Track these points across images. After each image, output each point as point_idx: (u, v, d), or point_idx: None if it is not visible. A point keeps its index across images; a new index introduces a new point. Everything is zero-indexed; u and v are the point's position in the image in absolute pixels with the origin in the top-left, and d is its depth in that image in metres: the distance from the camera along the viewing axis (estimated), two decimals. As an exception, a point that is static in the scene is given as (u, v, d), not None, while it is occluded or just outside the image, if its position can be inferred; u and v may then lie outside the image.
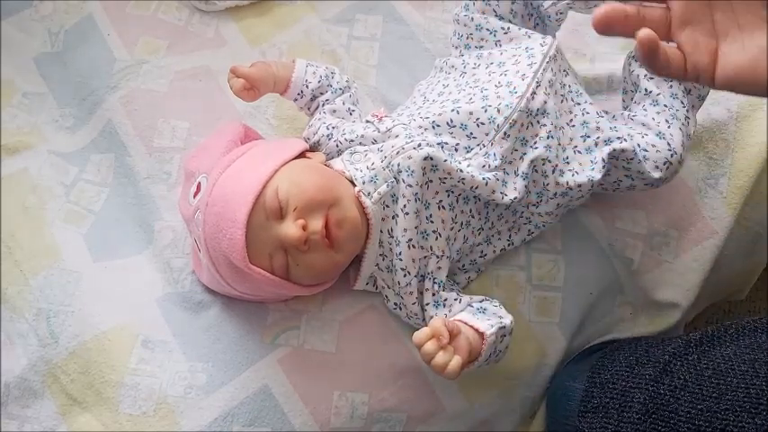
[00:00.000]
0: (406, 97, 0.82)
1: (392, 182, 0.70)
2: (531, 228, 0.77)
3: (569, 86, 0.78)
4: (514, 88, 0.72)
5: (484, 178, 0.70)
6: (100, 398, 0.73)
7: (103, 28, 0.92)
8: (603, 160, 0.73)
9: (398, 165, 0.70)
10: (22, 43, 0.94)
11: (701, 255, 0.81)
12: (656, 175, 0.74)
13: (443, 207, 0.71)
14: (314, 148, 0.78)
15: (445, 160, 0.69)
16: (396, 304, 0.74)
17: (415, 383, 0.74)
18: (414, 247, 0.70)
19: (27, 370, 0.75)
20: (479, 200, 0.73)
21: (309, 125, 0.79)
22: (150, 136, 0.85)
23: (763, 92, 0.49)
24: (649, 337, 0.79)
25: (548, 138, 0.72)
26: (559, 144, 0.74)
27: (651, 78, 0.77)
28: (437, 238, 0.71)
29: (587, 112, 0.77)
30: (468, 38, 0.80)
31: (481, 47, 0.79)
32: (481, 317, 0.69)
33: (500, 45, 0.78)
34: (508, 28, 0.77)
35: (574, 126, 0.76)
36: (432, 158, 0.69)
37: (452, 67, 0.80)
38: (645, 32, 0.47)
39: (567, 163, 0.74)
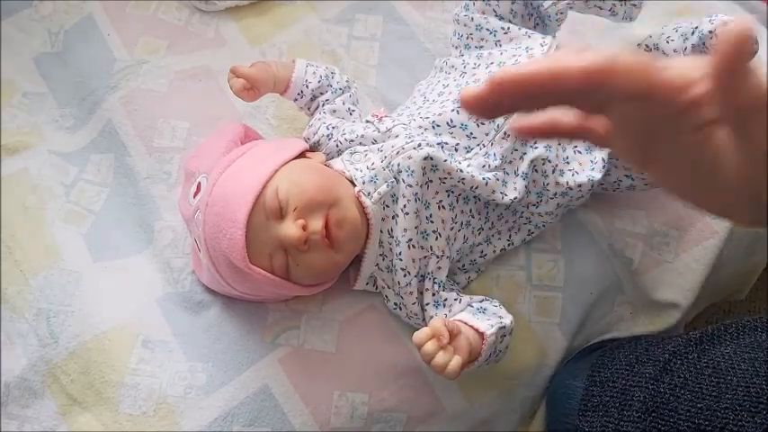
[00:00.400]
0: (406, 97, 0.82)
1: (392, 182, 0.70)
2: (531, 228, 0.77)
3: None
4: (514, 88, 0.72)
5: (484, 178, 0.70)
6: (100, 398, 0.73)
7: (103, 28, 0.92)
8: (603, 160, 0.73)
9: (398, 165, 0.70)
10: (22, 43, 0.94)
11: (701, 255, 0.81)
12: (657, 174, 0.74)
13: (443, 207, 0.71)
14: (314, 148, 0.78)
15: (445, 160, 0.69)
16: (396, 304, 0.74)
17: (415, 383, 0.74)
18: (414, 247, 0.70)
19: (27, 370, 0.75)
20: (479, 200, 0.73)
21: (309, 125, 0.79)
22: (150, 136, 0.85)
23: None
24: (649, 335, 0.79)
25: (548, 138, 0.72)
26: (559, 144, 0.74)
27: (651, 78, 0.77)
28: (437, 238, 0.71)
29: (587, 112, 0.77)
30: (468, 38, 0.80)
31: (481, 47, 0.79)
32: (481, 317, 0.69)
33: (500, 45, 0.78)
34: (508, 28, 0.77)
35: (574, 126, 0.76)
36: (432, 158, 0.69)
37: (452, 67, 0.80)
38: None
39: (567, 163, 0.74)
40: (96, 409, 0.73)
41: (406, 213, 0.69)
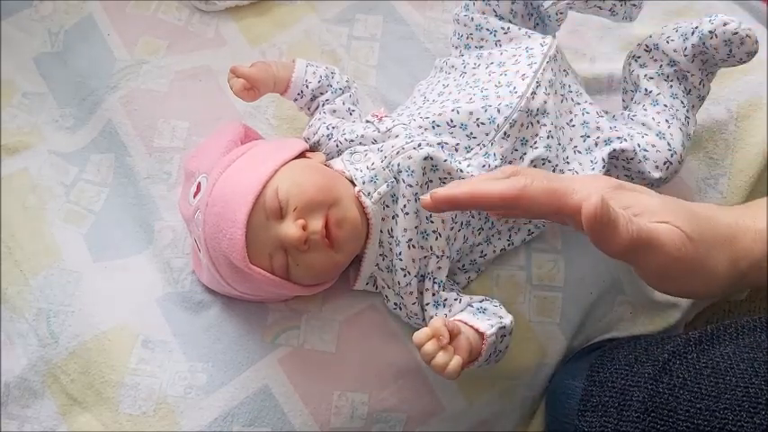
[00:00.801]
0: (406, 97, 0.82)
1: (392, 182, 0.70)
2: (531, 228, 0.77)
3: (569, 86, 0.78)
4: (514, 88, 0.72)
5: (484, 178, 0.70)
6: (100, 398, 0.73)
7: (103, 28, 0.92)
8: (603, 160, 0.73)
9: (398, 165, 0.70)
10: (22, 43, 0.94)
11: (701, 255, 0.81)
12: (657, 175, 0.74)
13: (443, 207, 0.71)
14: (314, 148, 0.78)
15: (445, 160, 0.69)
16: (396, 304, 0.74)
17: (415, 383, 0.74)
18: (414, 246, 0.70)
19: (27, 370, 0.75)
20: (479, 200, 0.73)
21: (309, 125, 0.79)
22: (150, 136, 0.85)
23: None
24: (649, 335, 0.79)
25: (548, 138, 0.72)
26: (559, 144, 0.74)
27: (651, 78, 0.77)
28: (437, 238, 0.71)
29: (587, 112, 0.77)
30: (468, 38, 0.80)
31: (481, 47, 0.79)
32: (481, 317, 0.69)
33: (500, 45, 0.78)
34: (508, 28, 0.77)
35: (574, 126, 0.76)
36: (432, 158, 0.69)
37: (452, 67, 0.80)
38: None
39: (567, 163, 0.74)
40: (96, 409, 0.73)
41: (406, 213, 0.69)
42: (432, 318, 0.70)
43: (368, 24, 0.94)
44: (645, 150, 0.74)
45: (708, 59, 0.75)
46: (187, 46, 0.92)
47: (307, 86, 0.79)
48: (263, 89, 0.78)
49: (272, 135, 0.85)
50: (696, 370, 0.63)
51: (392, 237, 0.71)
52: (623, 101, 0.82)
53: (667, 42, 0.76)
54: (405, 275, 0.71)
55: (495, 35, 0.78)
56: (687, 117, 0.76)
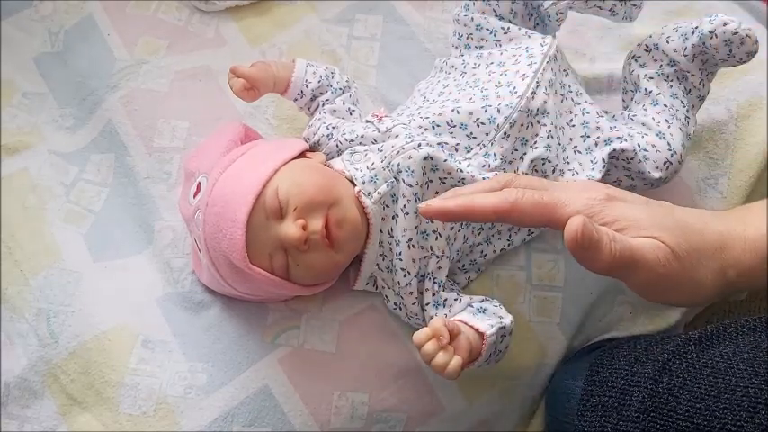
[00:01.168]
0: (406, 97, 0.82)
1: (392, 182, 0.70)
2: (531, 228, 0.77)
3: (569, 86, 0.78)
4: (514, 88, 0.72)
5: (484, 178, 0.70)
6: (100, 398, 0.73)
7: (103, 28, 0.92)
8: (603, 160, 0.73)
9: (398, 165, 0.70)
10: (22, 43, 0.94)
11: (701, 255, 0.81)
12: (656, 175, 0.74)
13: (443, 207, 0.71)
14: (314, 148, 0.78)
15: (445, 160, 0.69)
16: (396, 304, 0.74)
17: (415, 383, 0.74)
18: (414, 246, 0.70)
19: (27, 370, 0.75)
20: (479, 200, 0.73)
21: (309, 125, 0.79)
22: (150, 136, 0.85)
23: None
24: (648, 335, 0.79)
25: (548, 138, 0.72)
26: (559, 144, 0.74)
27: (651, 78, 0.77)
28: (437, 238, 0.71)
29: (587, 112, 0.77)
30: (468, 38, 0.80)
31: (481, 47, 0.79)
32: (481, 317, 0.69)
33: (500, 45, 0.78)
34: (508, 28, 0.77)
35: (574, 126, 0.76)
36: (432, 158, 0.69)
37: (452, 67, 0.80)
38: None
39: (567, 163, 0.74)
40: (96, 409, 0.73)
41: (407, 213, 0.69)
42: (432, 318, 0.70)
43: (368, 24, 0.94)
44: (645, 150, 0.74)
45: (708, 59, 0.75)
46: (187, 46, 0.92)
47: (307, 86, 0.79)
48: (263, 89, 0.78)
49: (272, 135, 0.85)
50: (696, 370, 0.63)
51: (392, 237, 0.71)
52: (623, 101, 0.82)
53: (667, 42, 0.76)
54: (405, 275, 0.71)
55: (495, 35, 0.78)
56: (687, 117, 0.76)
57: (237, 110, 0.87)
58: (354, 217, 0.69)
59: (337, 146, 0.76)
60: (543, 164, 0.72)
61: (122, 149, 0.85)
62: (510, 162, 0.72)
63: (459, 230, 0.73)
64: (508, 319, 0.70)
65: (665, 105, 0.76)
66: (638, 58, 0.79)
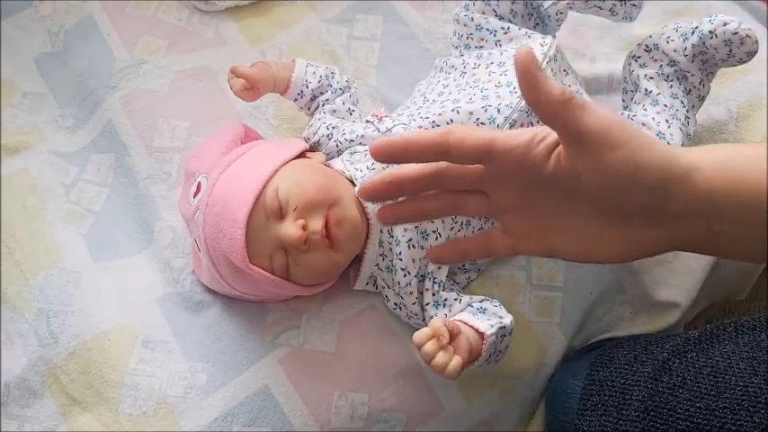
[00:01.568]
0: (406, 97, 0.82)
1: (392, 182, 0.70)
2: (531, 228, 0.77)
3: (569, 86, 0.78)
4: (514, 88, 0.72)
5: (484, 178, 0.70)
6: (100, 398, 0.73)
7: (103, 28, 0.92)
8: (603, 160, 0.73)
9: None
10: (22, 43, 0.94)
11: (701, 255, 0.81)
12: (656, 175, 0.74)
13: (443, 207, 0.71)
14: (314, 148, 0.78)
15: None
16: (396, 304, 0.74)
17: (415, 383, 0.74)
18: (414, 246, 0.70)
19: (27, 370, 0.75)
20: (479, 200, 0.73)
21: (309, 125, 0.79)
22: (150, 136, 0.85)
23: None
24: (648, 334, 0.79)
25: (548, 138, 0.72)
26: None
27: (651, 78, 0.77)
28: (437, 238, 0.71)
29: (587, 112, 0.77)
30: (468, 38, 0.80)
31: (481, 47, 0.79)
32: (481, 317, 0.69)
33: (500, 45, 0.78)
34: (508, 28, 0.77)
35: (574, 126, 0.76)
36: (432, 158, 0.69)
37: (452, 67, 0.80)
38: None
39: (567, 163, 0.74)
40: (96, 409, 0.73)
41: (407, 213, 0.69)
42: (432, 318, 0.70)
43: (368, 24, 0.94)
44: (645, 150, 0.74)
45: (708, 59, 0.75)
46: (187, 46, 0.92)
47: (307, 86, 0.79)
48: (263, 89, 0.78)
49: (272, 135, 0.85)
50: (696, 369, 0.63)
51: (392, 237, 0.71)
52: (623, 101, 0.82)
53: (667, 42, 0.76)
54: (405, 275, 0.71)
55: (495, 35, 0.78)
56: (687, 117, 0.76)
57: (237, 110, 0.87)
58: (354, 217, 0.69)
59: (337, 146, 0.76)
60: (543, 164, 0.72)
61: (122, 149, 0.85)
62: (510, 162, 0.72)
63: (460, 231, 0.73)
64: (508, 319, 0.70)
65: (665, 105, 0.76)
66: (638, 58, 0.79)
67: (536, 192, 0.53)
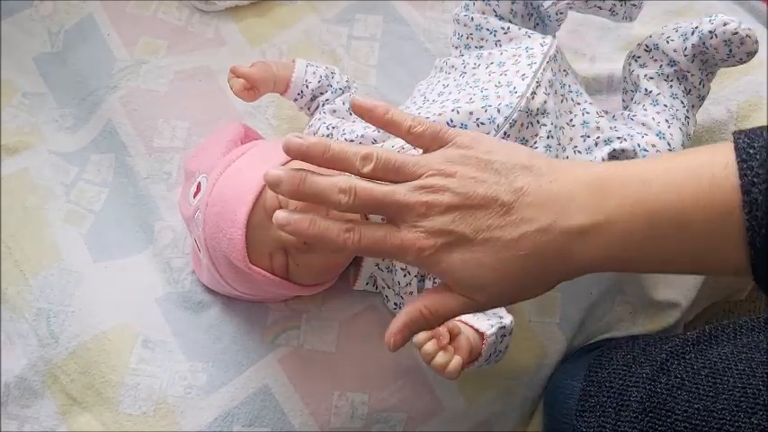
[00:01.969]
0: (406, 97, 0.82)
1: (392, 182, 0.70)
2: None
3: (569, 86, 0.78)
4: (514, 88, 0.72)
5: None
6: (100, 398, 0.73)
7: (103, 28, 0.92)
8: (603, 160, 0.73)
9: (398, 165, 0.70)
10: (22, 43, 0.94)
11: (701, 255, 0.81)
12: (656, 175, 0.74)
13: (443, 207, 0.71)
14: (314, 147, 0.78)
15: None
16: (396, 304, 0.74)
17: (415, 383, 0.74)
18: (414, 247, 0.70)
19: (27, 370, 0.75)
20: (479, 200, 0.73)
21: (309, 125, 0.79)
22: (150, 136, 0.85)
23: None
24: (647, 335, 0.79)
25: (548, 138, 0.72)
26: (559, 144, 0.74)
27: (651, 78, 0.77)
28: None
29: (587, 112, 0.77)
30: (468, 38, 0.80)
31: (481, 47, 0.79)
32: (481, 317, 0.69)
33: (500, 45, 0.78)
34: (508, 28, 0.77)
35: (574, 126, 0.76)
36: (431, 158, 0.69)
37: (452, 67, 0.80)
38: None
39: (567, 163, 0.74)
40: (96, 409, 0.73)
41: (406, 213, 0.69)
42: (432, 318, 0.70)
43: (368, 24, 0.94)
44: (645, 150, 0.74)
45: (708, 59, 0.75)
46: (187, 46, 0.92)
47: (307, 86, 0.79)
48: (263, 89, 0.78)
49: (272, 135, 0.85)
50: (694, 370, 0.63)
51: (392, 237, 0.71)
52: (623, 101, 0.82)
53: (667, 42, 0.76)
54: (405, 275, 0.71)
55: (495, 35, 0.78)
56: (687, 117, 0.76)
57: (237, 110, 0.87)
58: (355, 217, 0.69)
59: (337, 146, 0.76)
60: (543, 164, 0.72)
61: (122, 149, 0.85)
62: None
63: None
64: (508, 320, 0.70)
65: (665, 105, 0.76)
66: (638, 58, 0.79)
67: None
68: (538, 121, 0.72)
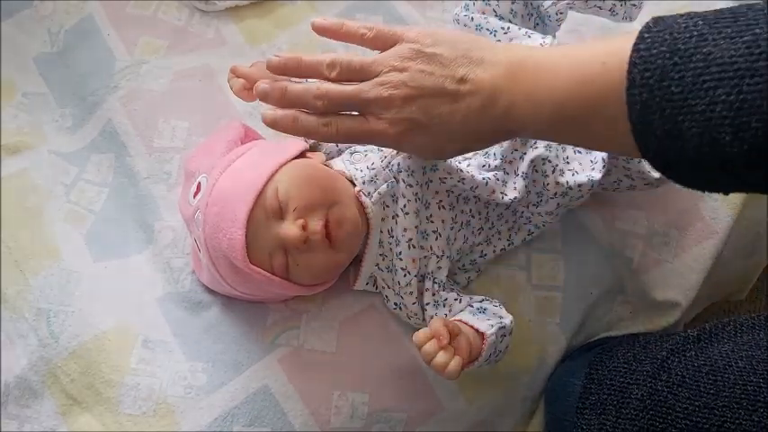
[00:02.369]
0: (406, 97, 0.82)
1: (392, 182, 0.70)
2: (531, 228, 0.77)
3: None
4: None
5: (484, 178, 0.70)
6: (100, 398, 0.73)
7: (103, 28, 0.92)
8: (603, 160, 0.73)
9: (398, 164, 0.70)
10: (22, 43, 0.94)
11: (701, 255, 0.81)
12: (656, 175, 0.74)
13: (443, 207, 0.71)
14: (314, 148, 0.78)
15: (445, 160, 0.69)
16: (396, 304, 0.74)
17: (415, 383, 0.74)
18: (414, 246, 0.70)
19: (27, 370, 0.75)
20: (479, 200, 0.73)
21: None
22: (150, 136, 0.85)
23: None
24: (647, 333, 0.79)
25: (547, 137, 0.72)
26: (559, 144, 0.74)
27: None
28: (437, 238, 0.71)
29: (587, 112, 0.77)
30: (468, 38, 0.80)
31: (481, 47, 0.79)
32: (481, 317, 0.69)
33: (500, 45, 0.78)
34: (508, 28, 0.77)
35: (574, 126, 0.76)
36: (431, 158, 0.69)
37: (452, 66, 0.80)
38: None
39: (568, 163, 0.74)
40: (96, 409, 0.73)
41: (407, 213, 0.69)
42: (432, 318, 0.70)
43: (368, 24, 0.93)
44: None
45: (707, 59, 0.75)
46: (187, 46, 0.92)
47: (307, 86, 0.79)
48: (263, 89, 0.78)
49: (271, 135, 0.85)
50: (695, 368, 0.63)
51: (392, 237, 0.71)
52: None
53: None
54: (405, 275, 0.71)
55: (495, 35, 0.78)
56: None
57: (237, 110, 0.87)
58: (354, 217, 0.69)
59: (337, 146, 0.76)
60: (543, 163, 0.72)
61: (122, 149, 0.85)
62: (510, 162, 0.72)
63: (460, 230, 0.73)
64: (508, 320, 0.70)
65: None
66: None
67: None
68: (538, 121, 0.72)
